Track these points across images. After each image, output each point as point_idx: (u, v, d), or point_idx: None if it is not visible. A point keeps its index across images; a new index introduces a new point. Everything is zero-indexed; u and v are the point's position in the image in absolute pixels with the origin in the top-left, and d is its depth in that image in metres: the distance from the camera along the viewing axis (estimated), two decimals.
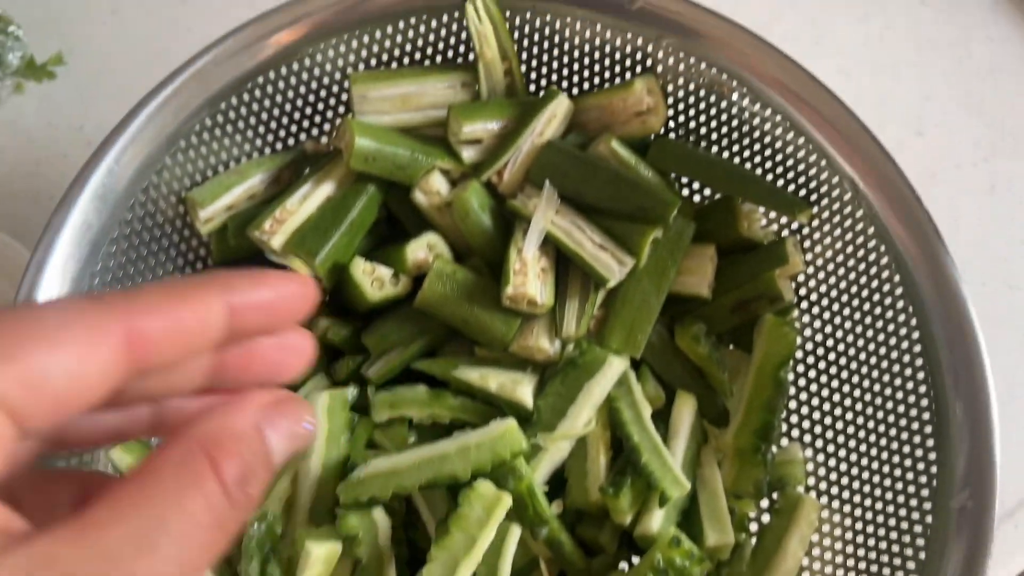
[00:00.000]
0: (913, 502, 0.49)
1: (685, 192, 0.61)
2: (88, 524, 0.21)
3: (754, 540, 0.55)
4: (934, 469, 0.48)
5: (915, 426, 0.50)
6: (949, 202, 0.73)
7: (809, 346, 0.57)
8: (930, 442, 0.48)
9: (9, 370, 0.21)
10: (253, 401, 0.26)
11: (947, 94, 0.76)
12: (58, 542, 0.21)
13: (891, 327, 0.51)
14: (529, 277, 0.53)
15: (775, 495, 0.56)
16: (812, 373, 0.57)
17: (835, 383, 0.55)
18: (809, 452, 0.56)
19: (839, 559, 0.52)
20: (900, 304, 0.51)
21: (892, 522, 0.49)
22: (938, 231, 0.49)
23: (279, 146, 0.58)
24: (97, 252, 0.48)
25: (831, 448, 0.55)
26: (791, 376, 0.57)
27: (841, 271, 0.54)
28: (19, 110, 0.72)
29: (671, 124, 0.58)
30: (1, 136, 0.71)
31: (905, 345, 0.50)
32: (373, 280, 0.55)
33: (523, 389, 0.53)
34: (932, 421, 0.48)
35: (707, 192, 0.60)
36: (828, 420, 0.56)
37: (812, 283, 0.57)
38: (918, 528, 0.48)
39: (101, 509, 0.22)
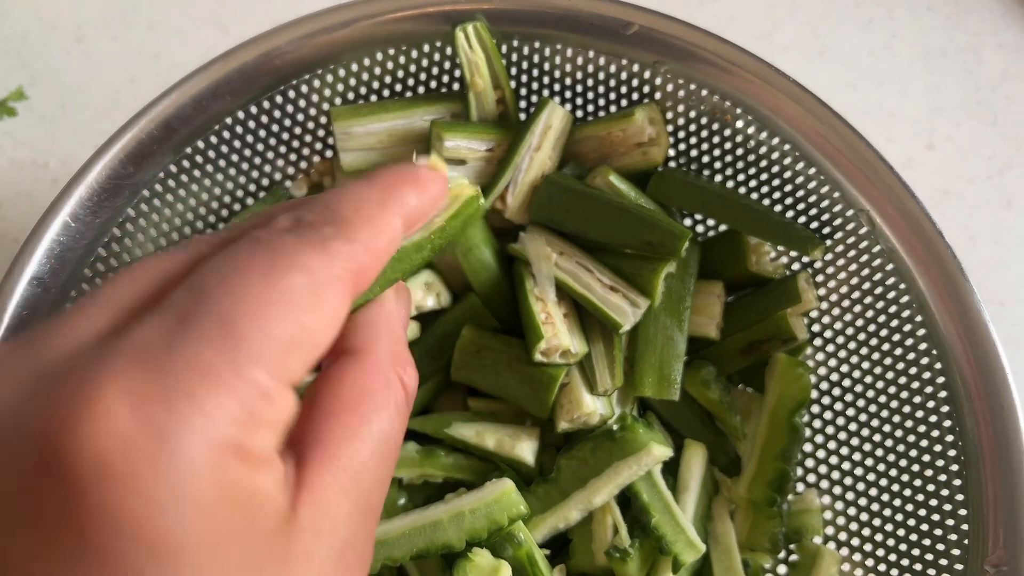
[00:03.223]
0: (943, 561, 0.45)
1: (687, 222, 0.57)
2: (341, 461, 0.26)
3: None
4: (965, 526, 0.44)
5: (942, 476, 0.46)
6: (964, 219, 0.69)
7: (825, 385, 0.54)
8: (959, 494, 0.45)
9: (286, 350, 0.23)
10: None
11: (958, 104, 0.73)
12: (330, 483, 0.26)
13: (913, 369, 0.48)
14: (558, 327, 0.49)
15: (792, 547, 0.53)
16: (828, 414, 0.53)
17: (853, 425, 0.52)
18: (827, 499, 0.53)
19: None
20: (923, 346, 0.47)
21: None
22: (963, 271, 0.45)
23: (253, 188, 0.54)
24: (52, 312, 0.44)
25: (850, 495, 0.52)
26: (806, 416, 0.54)
27: (858, 308, 0.51)
28: None
29: (672, 152, 0.55)
30: None
31: (929, 390, 0.47)
32: None
33: (523, 446, 0.50)
34: (961, 473, 0.45)
35: (710, 222, 0.57)
36: (847, 465, 0.52)
37: (827, 319, 0.53)
38: None
39: (338, 445, 0.26)
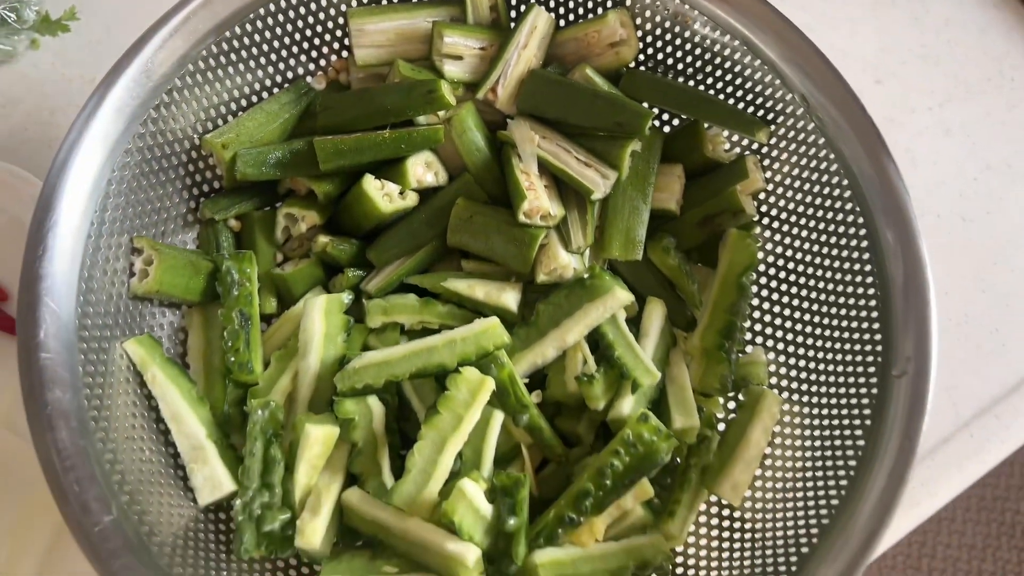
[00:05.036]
0: (862, 380, 0.53)
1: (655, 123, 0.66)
2: None
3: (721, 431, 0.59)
4: (880, 349, 0.52)
5: (863, 312, 0.54)
6: (907, 144, 0.78)
7: (770, 259, 0.62)
8: (877, 328, 0.53)
9: None
10: None
11: (904, 46, 0.81)
12: None
13: (841, 228, 0.56)
14: (539, 192, 0.58)
15: (740, 396, 0.60)
16: (773, 284, 0.61)
17: (794, 289, 0.60)
18: (772, 355, 0.61)
19: (798, 443, 0.56)
20: (849, 206, 0.55)
21: (843, 401, 0.54)
22: (880, 134, 0.53)
23: (279, 79, 0.62)
24: (113, 159, 0.53)
25: (791, 349, 0.60)
26: (755, 288, 0.62)
27: (797, 184, 0.59)
28: (35, 63, 0.77)
29: (640, 57, 0.63)
30: (18, 87, 0.76)
31: (854, 243, 0.55)
32: (384, 195, 0.60)
33: (507, 295, 0.58)
34: (879, 307, 0.53)
35: (675, 123, 0.65)
36: (788, 324, 0.60)
37: (772, 199, 0.61)
38: (865, 400, 0.52)
39: None
